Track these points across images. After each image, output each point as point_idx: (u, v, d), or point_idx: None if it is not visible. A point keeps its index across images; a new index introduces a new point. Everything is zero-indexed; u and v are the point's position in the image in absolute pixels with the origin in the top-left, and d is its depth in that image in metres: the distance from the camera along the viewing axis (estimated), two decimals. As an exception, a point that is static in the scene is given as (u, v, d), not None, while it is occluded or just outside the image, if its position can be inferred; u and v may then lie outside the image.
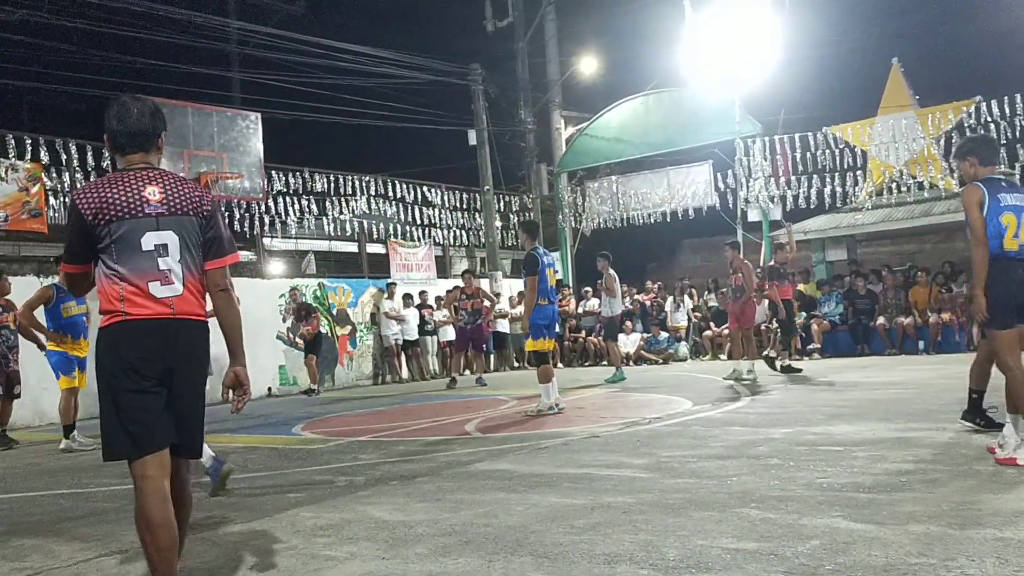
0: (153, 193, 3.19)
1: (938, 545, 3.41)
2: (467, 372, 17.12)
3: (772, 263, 13.49)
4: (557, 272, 10.20)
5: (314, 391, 15.41)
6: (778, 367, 12.71)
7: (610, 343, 14.32)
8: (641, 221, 20.97)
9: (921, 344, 15.54)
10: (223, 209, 16.21)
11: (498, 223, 21.96)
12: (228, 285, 3.47)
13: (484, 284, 21.00)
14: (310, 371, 15.73)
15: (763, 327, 17.38)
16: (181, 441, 3.26)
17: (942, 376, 10.63)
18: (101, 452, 3.22)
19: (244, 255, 21.03)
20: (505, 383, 14.76)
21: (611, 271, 13.34)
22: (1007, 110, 16.02)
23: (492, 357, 19.71)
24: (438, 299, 18.69)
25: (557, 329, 18.60)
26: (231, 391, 3.46)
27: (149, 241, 3.16)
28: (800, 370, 12.60)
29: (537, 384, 9.43)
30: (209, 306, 3.40)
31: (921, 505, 4.08)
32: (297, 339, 15.97)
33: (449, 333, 17.83)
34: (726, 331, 17.41)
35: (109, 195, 3.15)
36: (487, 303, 15.08)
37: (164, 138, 3.45)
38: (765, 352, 13.15)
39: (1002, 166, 16.02)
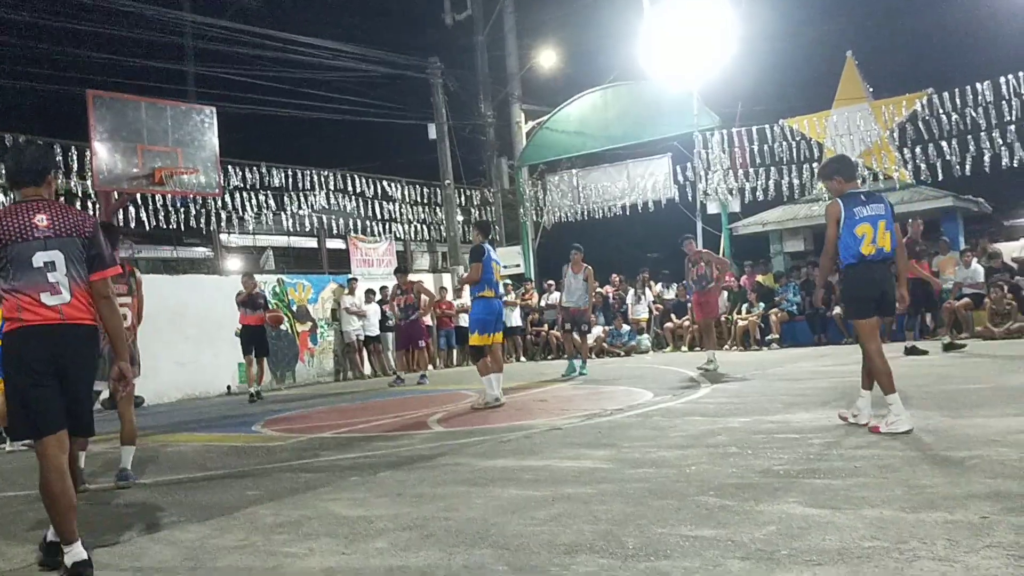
0: (41, 220, 3.87)
1: (891, 528, 3.47)
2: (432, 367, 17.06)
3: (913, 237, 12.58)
4: (503, 269, 10.21)
5: (255, 396, 13.53)
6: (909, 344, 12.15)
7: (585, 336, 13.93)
8: (601, 214, 21.05)
9: (877, 333, 15.77)
10: (179, 204, 16.10)
11: (459, 217, 21.92)
12: (110, 294, 4.10)
13: (446, 279, 20.99)
14: (248, 371, 14.24)
15: (723, 318, 17.59)
16: (73, 424, 3.95)
17: (896, 363, 10.78)
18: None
19: (200, 251, 20.81)
20: (467, 378, 14.74)
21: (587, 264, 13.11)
22: (958, 102, 16.32)
23: (455, 352, 19.69)
24: (378, 292, 18.03)
25: (518, 323, 18.88)
26: (117, 383, 4.22)
27: (39, 259, 3.83)
28: (926, 351, 11.76)
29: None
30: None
31: (874, 490, 4.14)
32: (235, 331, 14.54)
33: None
34: (687, 323, 17.60)
35: (5, 223, 3.84)
36: (424, 298, 14.88)
37: (54, 175, 4.20)
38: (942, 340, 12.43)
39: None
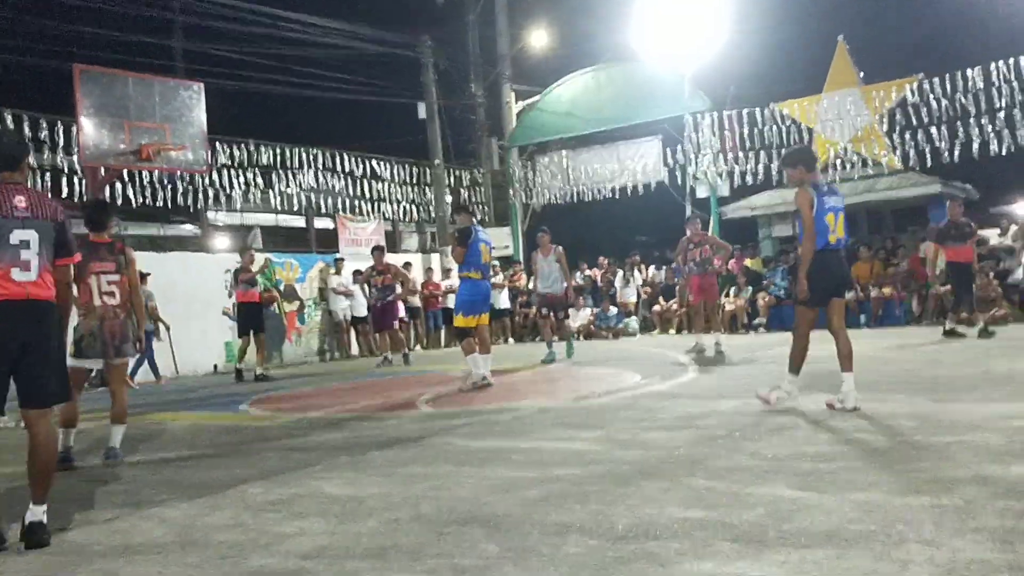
0: (20, 201, 4.16)
1: (878, 512, 3.50)
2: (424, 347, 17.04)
3: (945, 223, 12.25)
4: (493, 250, 10.14)
5: (243, 374, 13.34)
6: (946, 328, 11.91)
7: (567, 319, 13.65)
8: (591, 196, 21.03)
9: (863, 318, 15.89)
10: (166, 181, 15.97)
11: (448, 198, 21.84)
12: (70, 279, 4.69)
13: (434, 260, 20.94)
14: (242, 350, 13.71)
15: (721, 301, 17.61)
16: (33, 394, 4.17)
17: (882, 349, 10.90)
18: None
19: (188, 229, 20.69)
20: (456, 359, 14.74)
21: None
22: (948, 88, 16.33)
23: (443, 333, 19.69)
24: (356, 273, 17.47)
25: (506, 305, 18.87)
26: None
27: (16, 237, 4.10)
28: (964, 335, 11.53)
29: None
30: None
31: (861, 474, 4.18)
32: (230, 309, 14.55)
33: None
34: (675, 306, 17.65)
35: None
36: (399, 283, 14.80)
37: (28, 160, 4.54)
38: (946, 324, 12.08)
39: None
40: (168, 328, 14.64)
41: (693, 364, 10.62)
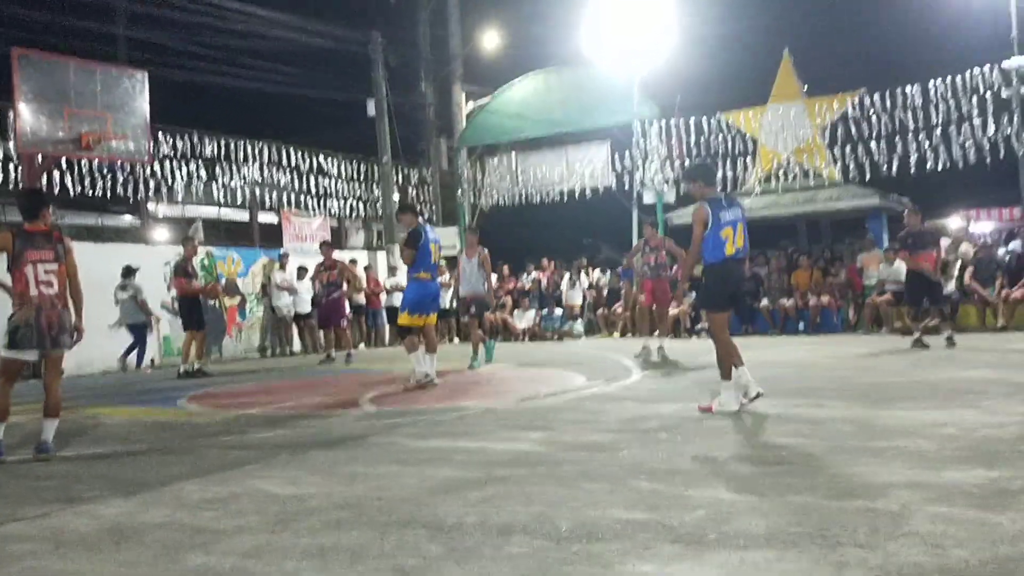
0: None
1: (814, 515, 3.57)
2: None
3: (904, 232, 12.22)
4: (441, 249, 10.06)
5: (198, 372, 12.76)
6: (914, 337, 11.74)
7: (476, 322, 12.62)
8: (539, 199, 21.09)
9: (801, 325, 16.22)
10: (105, 171, 15.64)
11: (396, 196, 21.72)
12: None
13: (380, 257, 20.80)
14: (188, 345, 13.05)
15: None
16: None
17: (821, 356, 11.13)
18: None
19: (127, 220, 20.23)
20: (399, 358, 14.64)
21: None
22: (888, 103, 16.76)
23: (386, 331, 19.56)
24: (311, 269, 16.74)
25: (451, 305, 18.82)
26: None
27: None
28: (928, 346, 11.40)
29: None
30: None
31: (799, 477, 4.26)
32: (169, 302, 14.66)
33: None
34: (619, 309, 17.80)
35: None
36: (347, 279, 14.64)
37: None
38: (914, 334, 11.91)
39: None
40: (158, 321, 14.60)
41: (637, 367, 10.71)
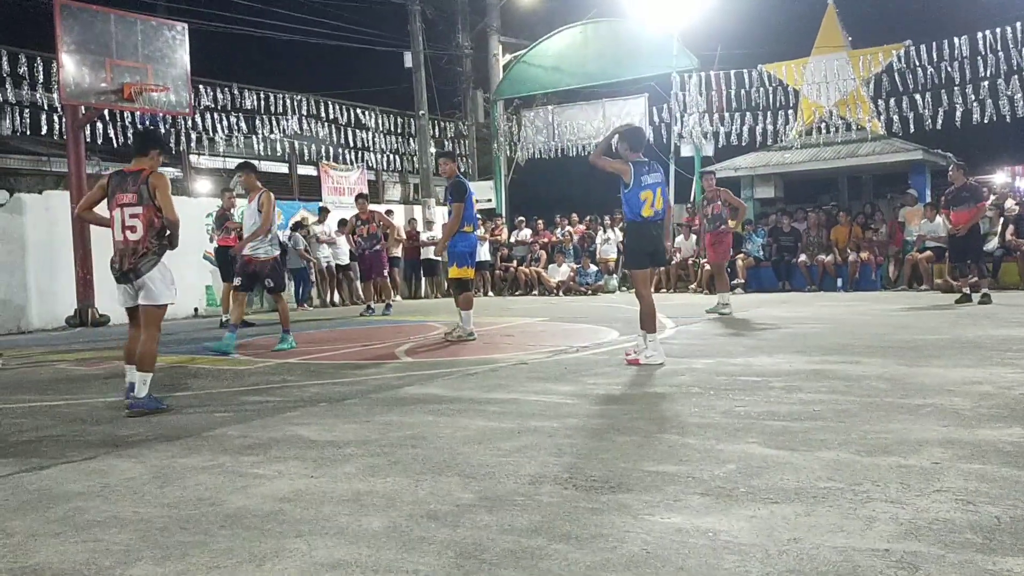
0: None
1: (846, 471, 3.58)
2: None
3: (951, 189, 12.14)
4: (478, 202, 10.19)
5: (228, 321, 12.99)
6: (962, 294, 11.86)
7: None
8: (575, 152, 20.95)
9: (840, 281, 16.05)
10: (148, 122, 15.80)
11: (432, 149, 21.71)
12: None
13: (417, 211, 20.86)
14: (225, 298, 12.76)
15: (690, 261, 17.71)
16: None
17: (857, 312, 11.03)
18: None
19: (169, 172, 20.41)
20: (437, 309, 14.80)
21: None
22: (935, 55, 16.33)
23: (423, 283, 19.71)
24: (341, 223, 17.13)
25: (486, 258, 18.88)
26: None
27: None
28: (972, 301, 11.54)
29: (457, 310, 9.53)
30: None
31: (832, 433, 4.27)
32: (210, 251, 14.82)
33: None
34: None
35: None
36: (386, 228, 14.68)
37: None
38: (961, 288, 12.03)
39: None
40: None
41: (672, 322, 10.70)
